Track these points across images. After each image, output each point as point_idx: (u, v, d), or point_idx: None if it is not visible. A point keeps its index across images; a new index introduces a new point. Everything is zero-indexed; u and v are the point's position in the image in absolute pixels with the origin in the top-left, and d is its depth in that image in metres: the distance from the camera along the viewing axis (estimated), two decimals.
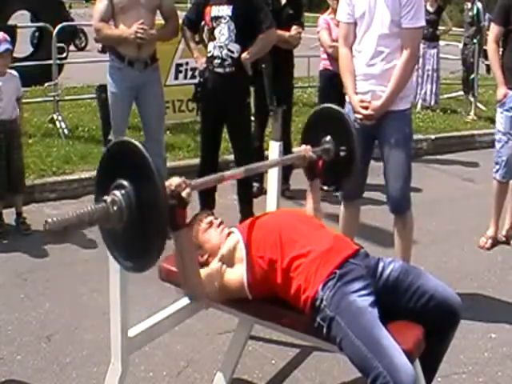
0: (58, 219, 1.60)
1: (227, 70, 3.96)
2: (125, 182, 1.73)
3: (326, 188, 2.70)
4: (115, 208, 1.70)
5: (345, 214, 3.47)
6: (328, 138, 2.67)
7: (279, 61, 4.85)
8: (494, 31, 4.19)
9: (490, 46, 4.21)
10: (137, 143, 1.74)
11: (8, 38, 4.18)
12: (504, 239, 4.45)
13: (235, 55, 3.95)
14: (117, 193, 1.72)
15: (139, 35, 3.95)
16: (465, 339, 3.10)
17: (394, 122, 3.16)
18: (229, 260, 2.25)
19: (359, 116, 3.16)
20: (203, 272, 2.20)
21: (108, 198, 1.71)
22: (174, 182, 1.93)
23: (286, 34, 4.90)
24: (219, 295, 2.24)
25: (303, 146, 2.62)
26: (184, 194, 1.93)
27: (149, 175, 1.70)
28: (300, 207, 4.55)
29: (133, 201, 1.71)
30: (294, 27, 4.96)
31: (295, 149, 5.33)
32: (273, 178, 2.91)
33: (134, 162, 1.72)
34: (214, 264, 2.26)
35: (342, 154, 2.64)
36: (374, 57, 3.12)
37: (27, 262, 3.86)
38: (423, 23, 3.13)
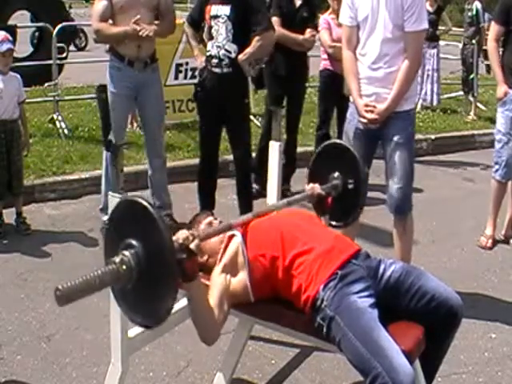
0: (68, 285, 1.57)
1: (224, 70, 3.95)
2: (133, 242, 1.71)
3: (334, 223, 2.64)
4: (124, 267, 1.69)
5: None
6: (336, 174, 2.58)
7: (294, 63, 4.86)
8: (494, 30, 4.22)
9: (490, 45, 4.22)
10: (144, 202, 1.72)
11: (10, 38, 4.19)
12: (503, 239, 4.45)
13: (232, 55, 3.93)
14: (126, 252, 1.71)
15: (136, 28, 3.93)
16: (465, 339, 3.11)
17: (398, 122, 3.16)
18: (232, 268, 2.21)
19: (364, 120, 3.16)
20: (213, 298, 2.12)
21: (117, 259, 1.70)
22: (181, 235, 1.90)
23: (300, 37, 4.90)
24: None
25: (311, 185, 2.55)
26: (192, 246, 1.90)
27: (156, 233, 1.68)
28: (300, 208, 4.55)
29: (141, 259, 1.70)
30: (309, 30, 4.95)
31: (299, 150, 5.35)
32: (273, 179, 2.91)
33: (141, 221, 1.71)
34: (217, 277, 2.19)
35: (349, 186, 2.56)
36: (378, 60, 3.12)
37: (27, 262, 3.85)
38: (426, 26, 3.12)
